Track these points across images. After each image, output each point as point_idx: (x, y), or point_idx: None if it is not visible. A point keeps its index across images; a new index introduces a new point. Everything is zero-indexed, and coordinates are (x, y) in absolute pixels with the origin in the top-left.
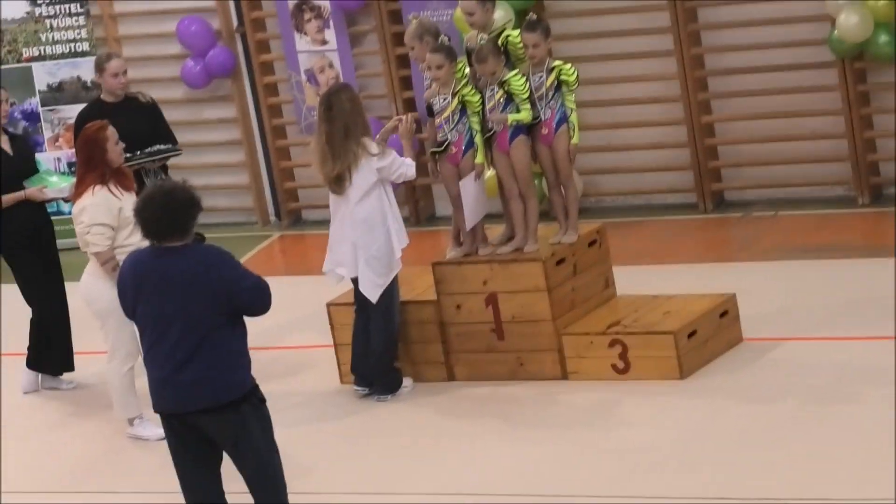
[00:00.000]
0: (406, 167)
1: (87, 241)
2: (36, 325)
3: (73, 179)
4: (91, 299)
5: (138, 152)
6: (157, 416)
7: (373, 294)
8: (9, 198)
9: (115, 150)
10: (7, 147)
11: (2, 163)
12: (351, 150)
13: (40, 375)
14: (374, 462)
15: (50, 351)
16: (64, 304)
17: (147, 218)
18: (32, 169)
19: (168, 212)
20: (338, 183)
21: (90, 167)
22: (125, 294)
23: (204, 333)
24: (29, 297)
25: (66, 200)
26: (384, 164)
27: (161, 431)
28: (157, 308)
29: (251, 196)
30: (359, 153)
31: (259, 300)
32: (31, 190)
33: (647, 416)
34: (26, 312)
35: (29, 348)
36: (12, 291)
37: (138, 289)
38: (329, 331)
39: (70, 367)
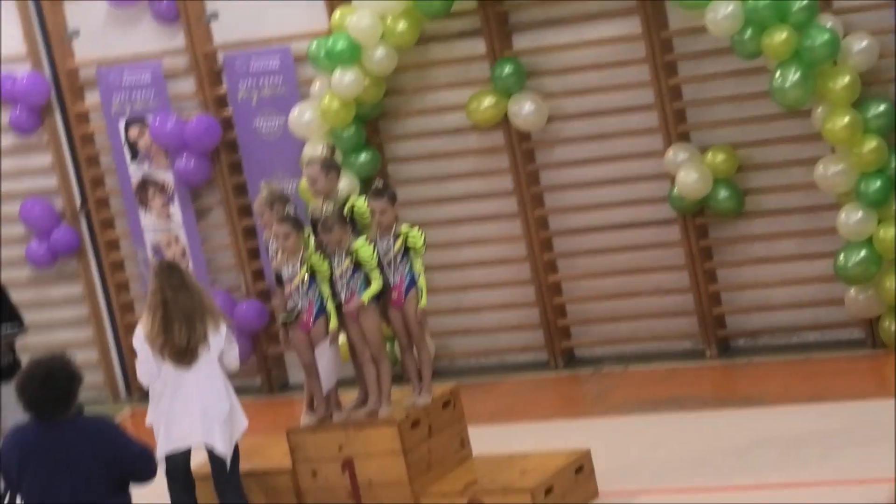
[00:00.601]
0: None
1: None
2: None
3: None
4: None
5: None
6: None
7: (229, 449)
8: None
9: None
10: None
11: None
12: (207, 321)
13: None
14: None
15: None
16: None
17: (30, 396)
18: None
19: (50, 388)
20: (188, 353)
21: None
22: (10, 470)
23: None
24: None
25: None
26: (230, 347)
27: None
28: (45, 482)
29: (101, 373)
30: (214, 325)
31: (147, 468)
32: None
33: None
34: None
35: None
36: None
37: (24, 464)
38: None
39: None
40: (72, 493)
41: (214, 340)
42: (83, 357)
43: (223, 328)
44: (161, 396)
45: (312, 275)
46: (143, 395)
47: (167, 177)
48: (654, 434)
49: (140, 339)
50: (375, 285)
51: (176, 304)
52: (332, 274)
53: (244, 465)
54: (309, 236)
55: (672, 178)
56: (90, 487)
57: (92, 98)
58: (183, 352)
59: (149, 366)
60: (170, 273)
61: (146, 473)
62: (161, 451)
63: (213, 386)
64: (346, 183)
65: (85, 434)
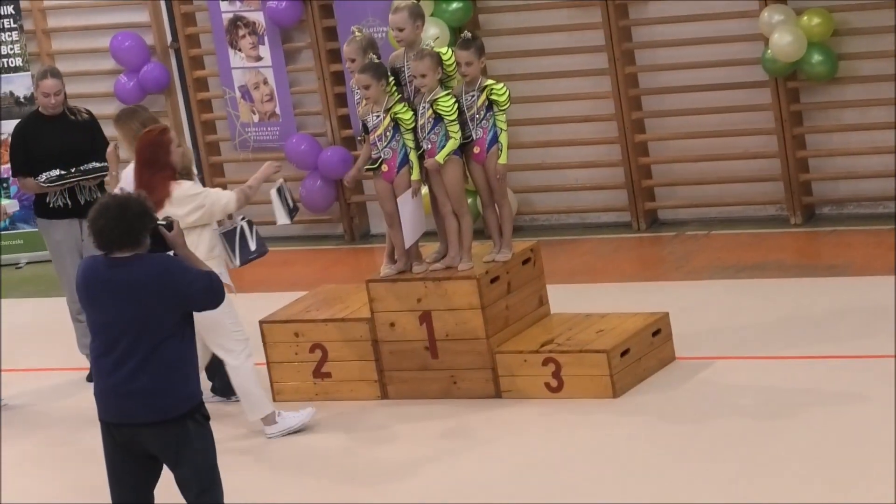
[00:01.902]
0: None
1: (221, 206)
2: None
3: (2, 202)
4: None
5: (73, 170)
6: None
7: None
8: None
9: (177, 152)
10: None
11: None
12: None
13: None
14: (312, 486)
15: None
16: None
17: (101, 227)
18: None
19: (122, 222)
20: None
21: (157, 168)
22: (80, 300)
23: (155, 342)
24: None
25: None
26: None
27: (307, 411)
28: (107, 317)
29: None
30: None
31: (211, 301)
32: None
33: (580, 434)
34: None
35: None
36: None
37: (89, 297)
38: (262, 349)
39: None
40: (134, 329)
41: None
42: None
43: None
44: None
45: (396, 124)
46: None
47: (258, 17)
48: (734, 300)
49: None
50: (451, 142)
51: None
52: (415, 123)
53: (324, 312)
54: (392, 85)
55: (766, 40)
56: (153, 324)
57: None
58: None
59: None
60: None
61: (212, 304)
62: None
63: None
64: (434, 31)
65: (149, 270)
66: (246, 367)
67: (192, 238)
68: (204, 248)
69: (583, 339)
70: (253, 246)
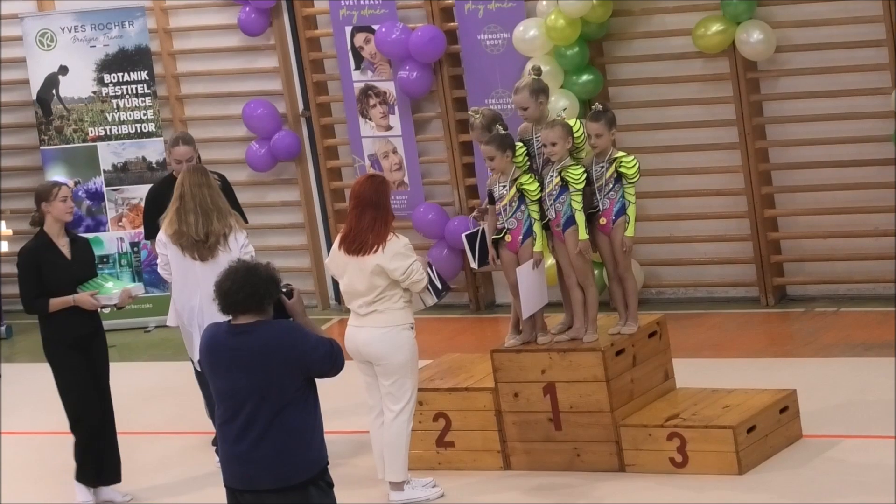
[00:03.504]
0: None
1: (413, 281)
2: (82, 438)
3: (127, 285)
4: (392, 351)
5: None
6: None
7: None
8: (57, 301)
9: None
10: (66, 251)
11: (56, 266)
12: (226, 221)
13: (93, 489)
14: None
15: (101, 464)
16: (110, 413)
17: (227, 290)
18: (90, 274)
19: (248, 286)
20: (205, 247)
21: (380, 212)
22: (203, 366)
23: (278, 408)
24: (70, 406)
25: (117, 308)
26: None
27: (435, 490)
28: (231, 383)
29: (312, 279)
30: (235, 229)
31: (332, 368)
32: (82, 295)
33: None
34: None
35: (79, 464)
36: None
37: (212, 364)
38: None
39: (118, 478)
40: (257, 396)
41: (233, 243)
42: (295, 263)
43: (243, 235)
44: (179, 292)
45: (522, 195)
46: None
47: (389, 86)
48: (863, 378)
49: (159, 234)
50: (579, 214)
51: (193, 198)
52: (541, 194)
53: (448, 381)
54: (522, 155)
55: None
56: (276, 391)
57: (320, 2)
58: (200, 242)
59: (165, 260)
60: (194, 172)
61: (333, 371)
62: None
63: None
64: (565, 102)
65: (271, 337)
66: (403, 422)
67: (394, 289)
68: (402, 299)
69: (709, 415)
70: (440, 285)
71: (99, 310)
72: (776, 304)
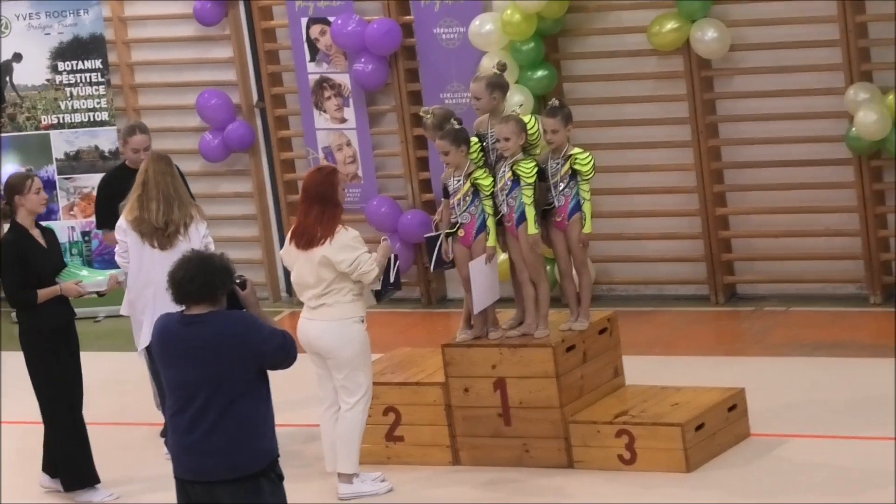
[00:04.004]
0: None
1: (362, 272)
2: (56, 438)
3: (109, 272)
4: (341, 344)
5: None
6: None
7: None
8: (45, 292)
9: (343, 193)
10: (41, 240)
11: (38, 256)
12: (187, 210)
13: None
14: None
15: (75, 465)
16: (80, 409)
17: (180, 279)
18: (62, 262)
19: (201, 276)
20: (164, 235)
21: (327, 206)
22: (156, 357)
23: (229, 399)
24: (47, 402)
25: (100, 294)
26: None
27: (383, 485)
28: (182, 374)
29: (264, 271)
30: (196, 218)
31: (284, 360)
32: (67, 284)
33: None
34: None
35: (47, 462)
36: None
37: (164, 354)
38: None
39: (96, 478)
40: (209, 386)
41: (194, 233)
42: (247, 254)
43: (204, 226)
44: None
45: (476, 189)
46: None
47: (344, 79)
48: (811, 378)
49: (119, 221)
50: (529, 209)
51: (157, 186)
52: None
53: (399, 375)
54: (476, 149)
55: (850, 118)
56: (228, 381)
57: None
58: (159, 230)
59: (124, 248)
60: (159, 160)
61: (286, 363)
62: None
63: None
64: (519, 98)
65: (223, 328)
66: (358, 413)
67: (342, 282)
68: (351, 292)
69: (657, 412)
70: (392, 279)
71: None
72: (726, 302)
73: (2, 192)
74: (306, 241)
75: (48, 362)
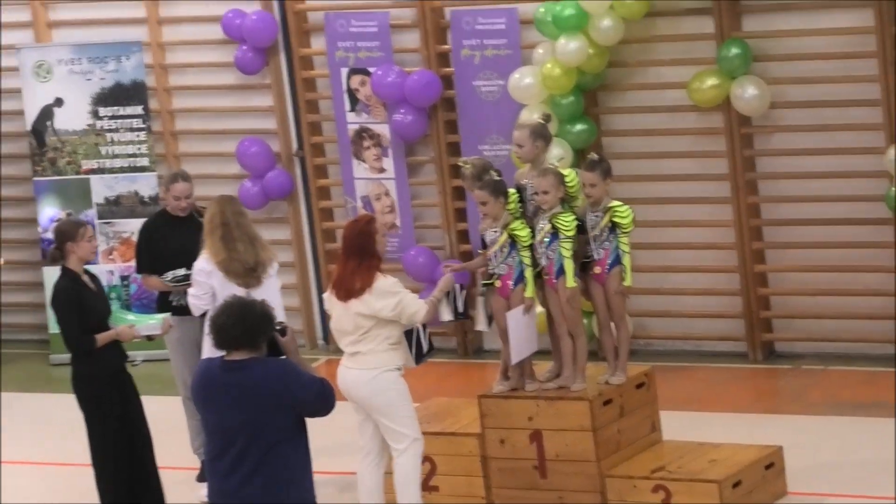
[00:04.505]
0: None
1: (409, 313)
2: (104, 483)
3: (162, 316)
4: (375, 393)
5: (182, 271)
6: None
7: None
8: (102, 336)
9: (382, 242)
10: (91, 285)
11: (91, 301)
12: (266, 250)
13: None
14: None
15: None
16: (150, 446)
17: (222, 325)
18: (109, 307)
19: (243, 322)
20: (254, 274)
21: (364, 257)
22: (196, 402)
23: (268, 446)
24: (101, 446)
25: (150, 339)
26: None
27: None
28: (222, 419)
29: (301, 319)
30: (271, 259)
31: (323, 407)
32: (122, 328)
33: None
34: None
35: None
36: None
37: (205, 399)
38: None
39: None
40: (248, 433)
41: (273, 272)
42: (285, 302)
43: (275, 266)
44: None
45: (513, 241)
46: None
47: (384, 129)
48: (850, 437)
49: (200, 264)
50: (568, 262)
51: (238, 227)
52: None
53: (435, 425)
54: (514, 201)
55: (890, 177)
56: (267, 428)
57: (317, 43)
58: (250, 270)
59: (205, 290)
60: (230, 201)
61: (324, 411)
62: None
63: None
64: (558, 152)
65: (264, 375)
66: (410, 457)
67: (379, 330)
68: (387, 341)
69: (694, 468)
70: (425, 346)
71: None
72: (764, 359)
73: (52, 238)
74: (345, 292)
75: (107, 406)
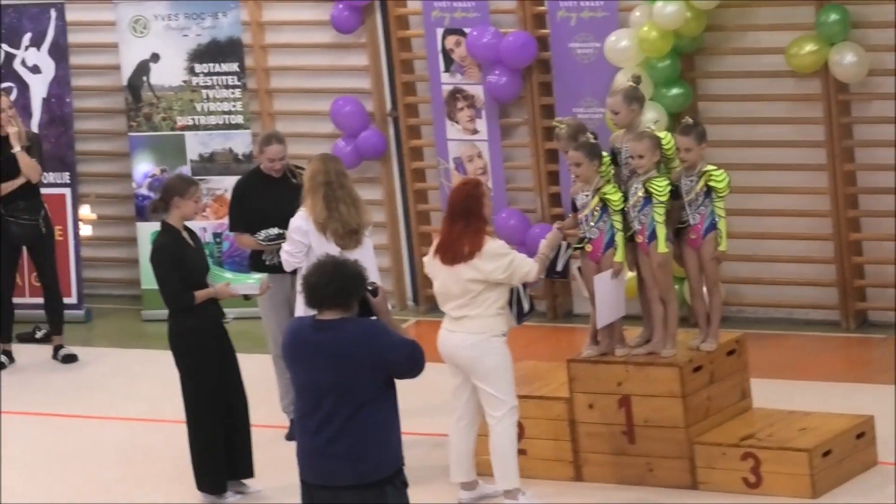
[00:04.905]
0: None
1: (522, 273)
2: (195, 439)
3: (260, 276)
4: (481, 357)
5: (275, 231)
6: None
7: None
8: (201, 294)
9: (489, 205)
10: (191, 241)
11: (191, 258)
12: (366, 212)
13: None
14: None
15: (208, 468)
16: (244, 403)
17: (314, 284)
18: (208, 265)
19: (335, 281)
20: (354, 235)
21: (472, 221)
22: (286, 360)
23: (357, 405)
24: (194, 402)
25: (247, 298)
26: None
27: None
28: (312, 378)
29: (391, 279)
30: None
31: (413, 368)
32: (220, 286)
33: None
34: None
35: (197, 470)
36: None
37: (295, 357)
38: None
39: (223, 486)
40: (337, 392)
41: (368, 236)
42: (377, 261)
43: (371, 228)
44: None
45: (605, 205)
46: (431, 307)
47: (477, 90)
48: None
49: (297, 221)
50: (660, 227)
51: (342, 187)
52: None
53: (523, 389)
54: (607, 165)
55: None
56: (356, 387)
57: (414, 4)
58: (351, 232)
59: (300, 248)
60: (334, 161)
61: (413, 373)
62: None
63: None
64: (652, 115)
65: (354, 335)
66: (507, 427)
67: (487, 293)
68: (495, 305)
69: (784, 437)
70: (526, 306)
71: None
72: (857, 328)
73: (160, 190)
74: (451, 256)
75: (205, 362)
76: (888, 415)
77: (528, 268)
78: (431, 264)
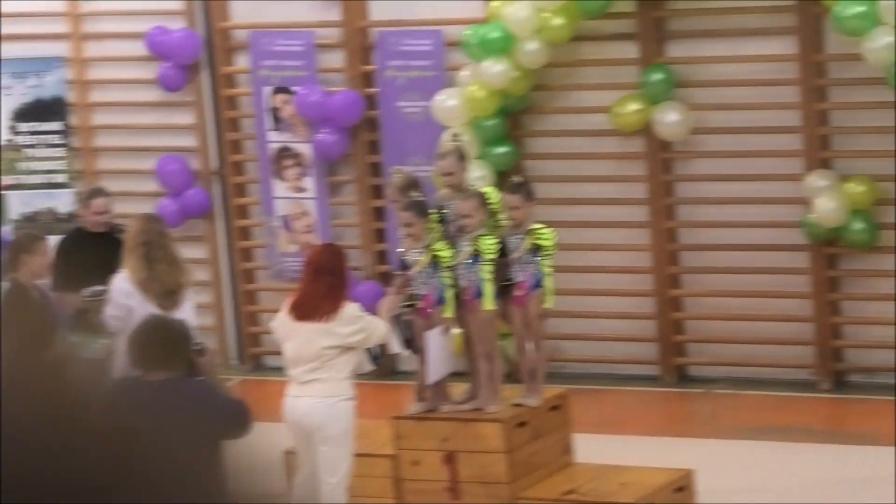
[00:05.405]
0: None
1: (378, 336)
2: None
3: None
4: (330, 421)
5: (100, 287)
6: None
7: None
8: None
9: (349, 269)
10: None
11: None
12: (186, 275)
13: None
14: None
15: None
16: None
17: (142, 344)
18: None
19: (162, 342)
20: (173, 297)
21: (337, 282)
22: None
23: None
24: None
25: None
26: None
27: None
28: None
29: (214, 338)
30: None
31: (240, 429)
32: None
33: None
34: None
35: None
36: None
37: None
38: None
39: None
40: (163, 451)
41: (190, 298)
42: (199, 321)
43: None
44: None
45: (435, 262)
46: (255, 366)
47: (305, 148)
48: (760, 461)
49: (118, 283)
50: (488, 284)
51: (162, 247)
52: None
53: None
54: (437, 223)
55: (809, 204)
56: (182, 447)
57: (241, 61)
58: (169, 293)
59: (122, 310)
60: (155, 220)
61: (240, 433)
62: None
63: None
64: (481, 174)
65: (181, 395)
66: (340, 495)
67: (344, 357)
68: (346, 368)
69: (605, 491)
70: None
71: None
72: (677, 383)
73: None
74: (308, 312)
75: None
76: (708, 469)
77: (383, 330)
78: (282, 324)
